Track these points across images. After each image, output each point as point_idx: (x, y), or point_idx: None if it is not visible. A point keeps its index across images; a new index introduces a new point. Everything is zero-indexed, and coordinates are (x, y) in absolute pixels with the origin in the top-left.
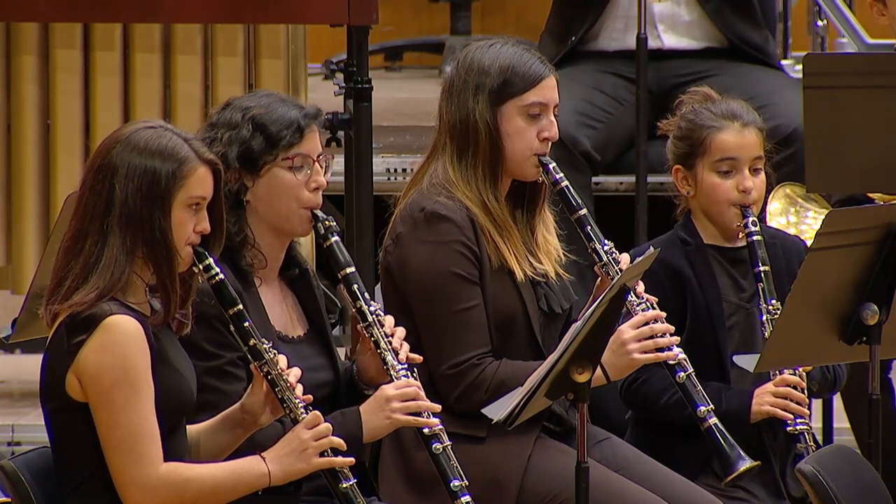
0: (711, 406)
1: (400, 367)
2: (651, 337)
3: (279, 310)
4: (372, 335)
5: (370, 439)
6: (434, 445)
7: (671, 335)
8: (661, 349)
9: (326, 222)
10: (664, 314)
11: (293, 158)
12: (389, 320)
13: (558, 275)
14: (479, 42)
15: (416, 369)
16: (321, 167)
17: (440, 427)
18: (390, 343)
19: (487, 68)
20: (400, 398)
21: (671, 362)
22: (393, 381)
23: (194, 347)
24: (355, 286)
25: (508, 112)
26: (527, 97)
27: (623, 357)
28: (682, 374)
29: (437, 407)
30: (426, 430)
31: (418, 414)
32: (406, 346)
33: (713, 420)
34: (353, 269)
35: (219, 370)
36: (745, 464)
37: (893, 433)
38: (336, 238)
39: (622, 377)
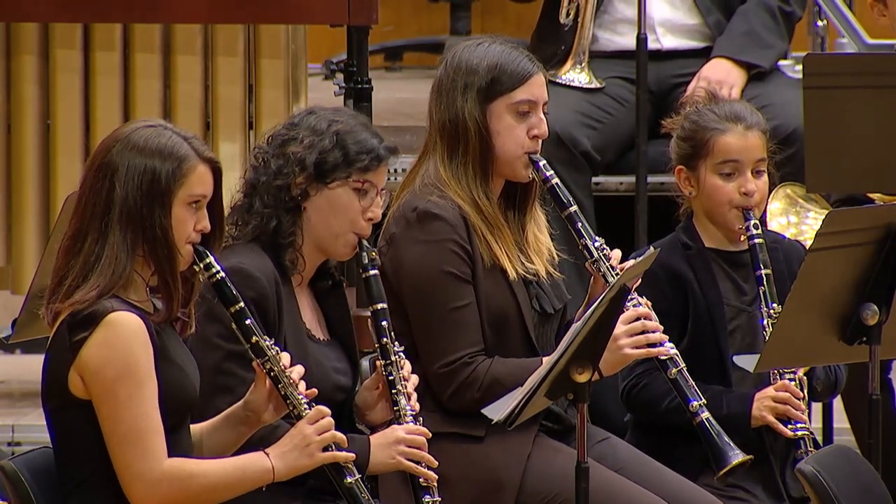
0: (703, 401)
1: (411, 412)
2: (643, 332)
3: (308, 314)
4: (390, 374)
5: (371, 472)
6: (426, 498)
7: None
8: (652, 345)
9: (372, 253)
10: (652, 312)
11: (363, 183)
12: (408, 365)
13: (550, 274)
14: (467, 41)
15: (422, 418)
16: (380, 201)
17: (436, 480)
18: (406, 387)
19: (475, 67)
20: (409, 443)
21: (663, 357)
22: (402, 423)
23: (221, 327)
24: (384, 322)
25: (497, 110)
26: (515, 95)
27: (615, 352)
28: (673, 369)
29: (435, 462)
30: (422, 481)
31: (419, 463)
32: (415, 395)
33: (705, 415)
34: (384, 304)
35: (241, 356)
36: (738, 457)
37: (893, 433)
38: (375, 272)
39: (615, 372)
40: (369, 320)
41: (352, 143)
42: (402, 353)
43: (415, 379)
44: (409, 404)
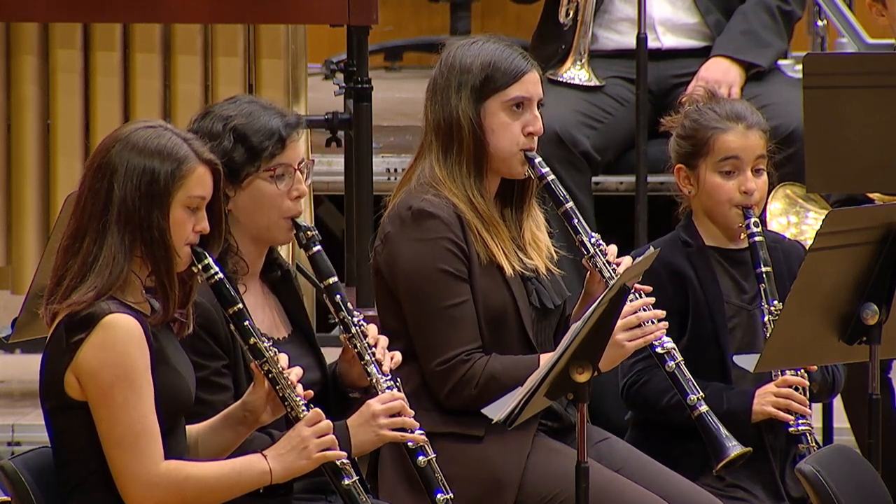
0: (701, 394)
1: (384, 379)
2: (640, 325)
3: (261, 313)
4: (355, 346)
5: (358, 454)
6: (419, 458)
7: (661, 323)
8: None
9: (308, 233)
10: (652, 300)
11: (274, 169)
12: (373, 329)
13: (549, 270)
14: (461, 41)
15: (399, 379)
16: (302, 175)
17: (425, 440)
18: (374, 354)
19: (469, 66)
20: (386, 413)
21: (660, 351)
22: (378, 394)
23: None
24: (338, 296)
25: (492, 108)
26: (509, 92)
27: (613, 347)
28: (671, 363)
29: (416, 424)
30: (410, 444)
31: (403, 428)
32: (389, 356)
33: (703, 408)
34: (335, 279)
35: (204, 381)
36: (736, 449)
37: (893, 433)
38: (318, 248)
39: (613, 367)
40: (325, 296)
41: (252, 135)
42: (363, 322)
43: (383, 341)
44: (381, 371)
